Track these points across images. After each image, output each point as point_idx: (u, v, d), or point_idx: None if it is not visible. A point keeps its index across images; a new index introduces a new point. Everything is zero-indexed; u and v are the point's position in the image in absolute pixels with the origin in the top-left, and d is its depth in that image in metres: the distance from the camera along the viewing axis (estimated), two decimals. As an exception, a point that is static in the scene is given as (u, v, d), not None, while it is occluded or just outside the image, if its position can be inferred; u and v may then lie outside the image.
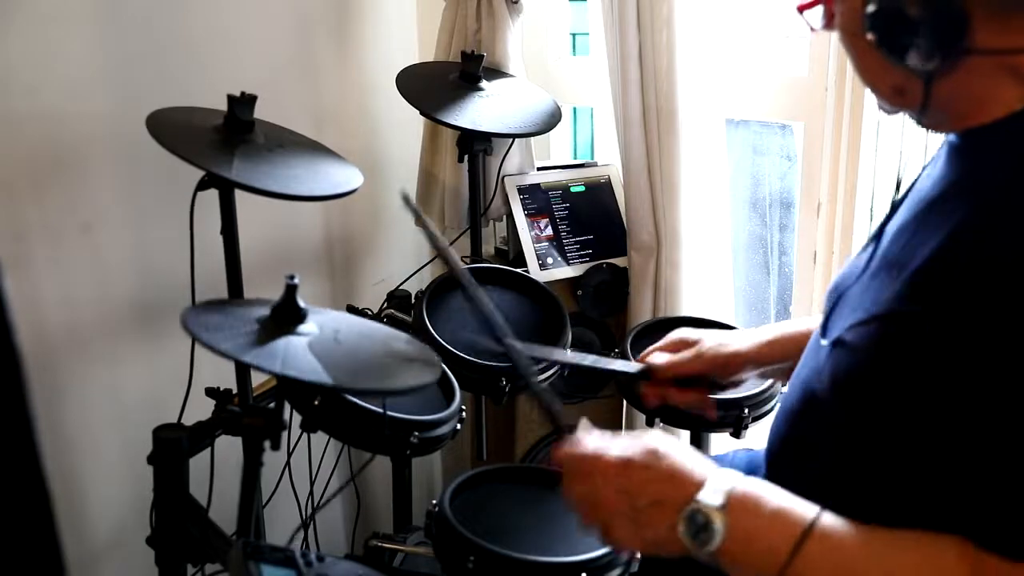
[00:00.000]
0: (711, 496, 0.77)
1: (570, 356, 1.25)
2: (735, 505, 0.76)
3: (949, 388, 0.70)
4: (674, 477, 0.79)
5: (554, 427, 0.90)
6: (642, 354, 1.20)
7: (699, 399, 1.16)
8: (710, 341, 1.15)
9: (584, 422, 0.90)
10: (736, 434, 1.29)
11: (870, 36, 0.74)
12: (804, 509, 0.76)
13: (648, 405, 1.19)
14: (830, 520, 0.75)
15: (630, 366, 1.18)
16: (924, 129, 0.83)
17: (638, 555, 1.00)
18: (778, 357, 1.12)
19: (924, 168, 0.89)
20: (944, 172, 0.81)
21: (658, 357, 1.16)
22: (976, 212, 0.73)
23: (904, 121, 1.48)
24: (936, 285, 0.72)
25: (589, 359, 1.19)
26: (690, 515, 0.77)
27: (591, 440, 0.86)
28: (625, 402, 1.76)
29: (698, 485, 0.78)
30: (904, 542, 0.74)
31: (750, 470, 1.15)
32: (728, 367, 1.13)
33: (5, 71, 1.25)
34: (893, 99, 0.80)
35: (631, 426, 1.78)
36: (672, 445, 0.83)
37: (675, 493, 0.79)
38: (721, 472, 0.80)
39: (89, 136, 1.37)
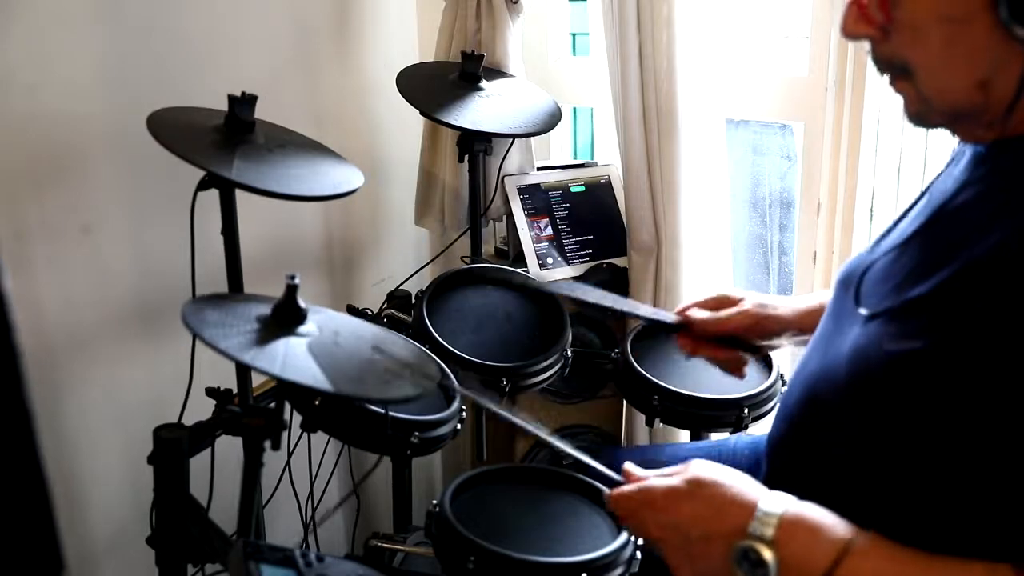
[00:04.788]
0: (761, 527, 0.74)
1: (603, 297, 1.18)
2: (786, 535, 0.73)
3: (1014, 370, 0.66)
4: (721, 508, 0.77)
5: (605, 482, 0.92)
6: (680, 308, 1.19)
7: (733, 357, 1.16)
8: (753, 302, 1.14)
9: (629, 465, 0.90)
10: (735, 434, 1.30)
11: (1004, 11, 0.65)
12: (860, 532, 0.73)
13: (683, 351, 1.18)
14: (879, 543, 0.72)
15: (667, 316, 1.17)
16: (968, 141, 0.78)
17: (638, 555, 1.00)
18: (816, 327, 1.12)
19: (941, 173, 0.87)
20: (975, 176, 0.78)
21: (698, 313, 1.16)
22: None
23: (904, 122, 1.48)
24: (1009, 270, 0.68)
25: (625, 304, 1.18)
26: (742, 551, 0.74)
27: (639, 476, 0.86)
28: (625, 402, 1.76)
29: (746, 515, 0.75)
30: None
31: (754, 456, 1.15)
32: (767, 330, 1.13)
33: (5, 71, 1.25)
34: (971, 96, 0.71)
35: (631, 426, 1.78)
36: (717, 472, 0.80)
37: (723, 525, 0.76)
38: (770, 497, 0.76)
39: (89, 136, 1.37)
